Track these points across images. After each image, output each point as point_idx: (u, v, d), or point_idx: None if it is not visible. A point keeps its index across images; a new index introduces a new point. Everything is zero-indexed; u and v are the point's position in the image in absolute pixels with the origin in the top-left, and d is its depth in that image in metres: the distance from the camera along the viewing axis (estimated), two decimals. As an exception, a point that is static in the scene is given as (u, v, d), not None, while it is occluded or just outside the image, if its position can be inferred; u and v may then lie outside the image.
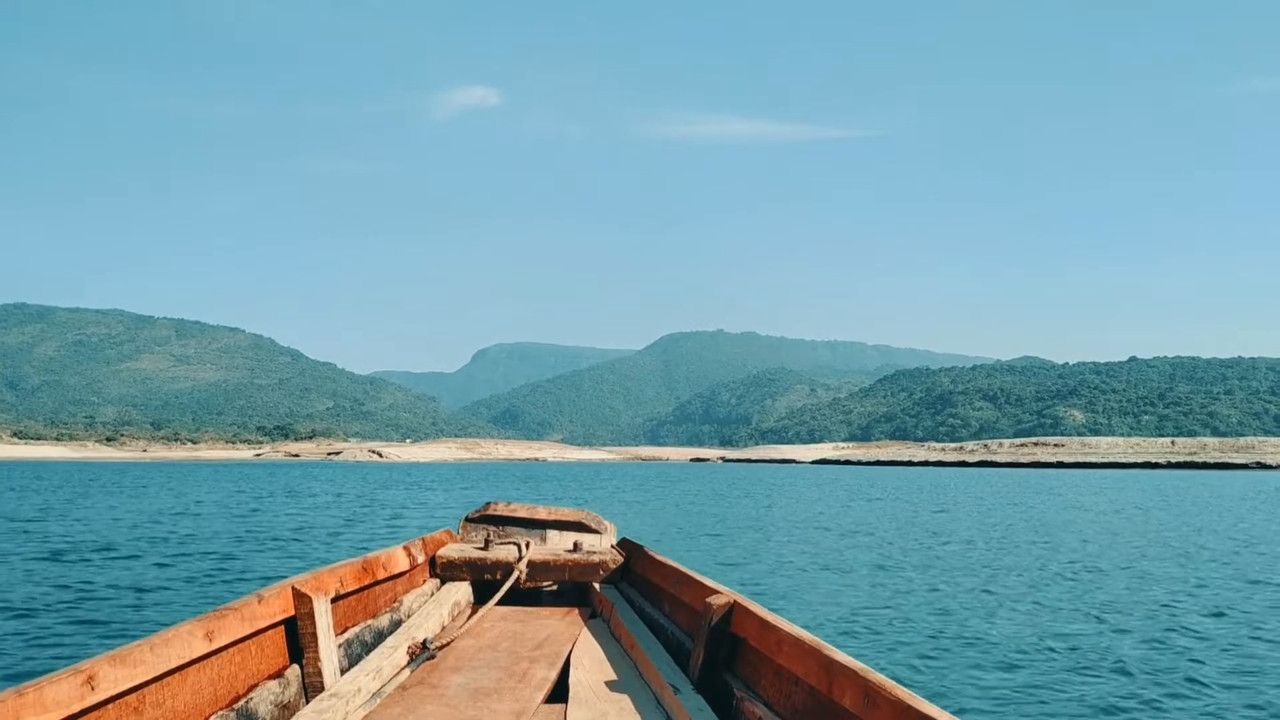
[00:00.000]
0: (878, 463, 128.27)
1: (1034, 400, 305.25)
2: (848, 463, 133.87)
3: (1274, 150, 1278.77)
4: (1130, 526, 20.78)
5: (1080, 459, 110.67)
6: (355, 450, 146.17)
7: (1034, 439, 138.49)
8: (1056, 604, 9.75)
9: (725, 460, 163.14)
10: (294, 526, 18.60)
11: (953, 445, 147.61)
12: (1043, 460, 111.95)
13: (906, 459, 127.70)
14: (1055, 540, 17.21)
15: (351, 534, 17.34)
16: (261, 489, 37.99)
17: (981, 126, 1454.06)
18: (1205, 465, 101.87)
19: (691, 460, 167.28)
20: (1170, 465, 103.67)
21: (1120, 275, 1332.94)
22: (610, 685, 3.48)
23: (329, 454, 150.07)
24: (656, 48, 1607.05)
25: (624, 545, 5.52)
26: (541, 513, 6.01)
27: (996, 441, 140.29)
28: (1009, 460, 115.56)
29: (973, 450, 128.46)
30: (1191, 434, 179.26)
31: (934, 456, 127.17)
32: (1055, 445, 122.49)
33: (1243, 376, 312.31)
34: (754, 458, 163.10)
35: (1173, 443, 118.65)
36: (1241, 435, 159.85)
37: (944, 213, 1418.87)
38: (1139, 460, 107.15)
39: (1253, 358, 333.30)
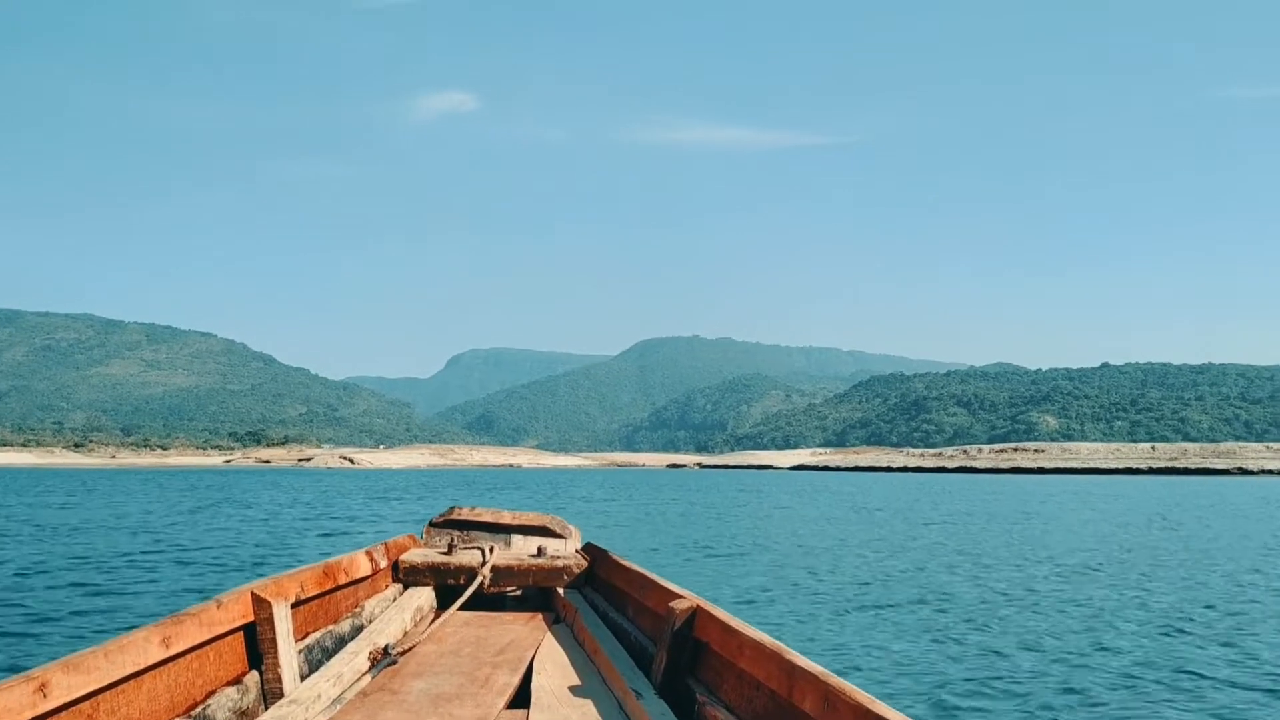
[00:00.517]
0: (856, 468, 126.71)
1: (1008, 406, 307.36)
2: (825, 468, 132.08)
3: (1246, 158, 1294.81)
4: (1170, 541, 19.00)
5: (1061, 465, 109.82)
6: (326, 457, 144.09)
7: (1013, 445, 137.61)
8: (1166, 658, 7.64)
9: (702, 466, 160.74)
10: (205, 545, 16.40)
11: (931, 451, 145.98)
12: (1023, 466, 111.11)
13: (885, 464, 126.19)
14: (1095, 556, 15.25)
15: (270, 555, 15.23)
16: (208, 498, 35.68)
17: (955, 134, 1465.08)
18: (1187, 471, 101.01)
19: (668, 466, 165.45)
20: (1151, 471, 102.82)
21: (1092, 282, 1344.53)
22: (573, 690, 3.46)
23: (300, 460, 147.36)
24: (635, 54, 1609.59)
25: (588, 550, 5.44)
26: (506, 517, 5.90)
27: (975, 447, 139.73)
28: (989, 466, 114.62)
29: (952, 456, 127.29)
30: (1164, 439, 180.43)
31: (913, 462, 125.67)
32: (1035, 451, 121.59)
33: (1213, 383, 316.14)
34: (731, 463, 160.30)
35: (1153, 448, 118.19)
36: (1213, 441, 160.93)
37: (920, 220, 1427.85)
38: (1120, 466, 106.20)
39: (1223, 364, 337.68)
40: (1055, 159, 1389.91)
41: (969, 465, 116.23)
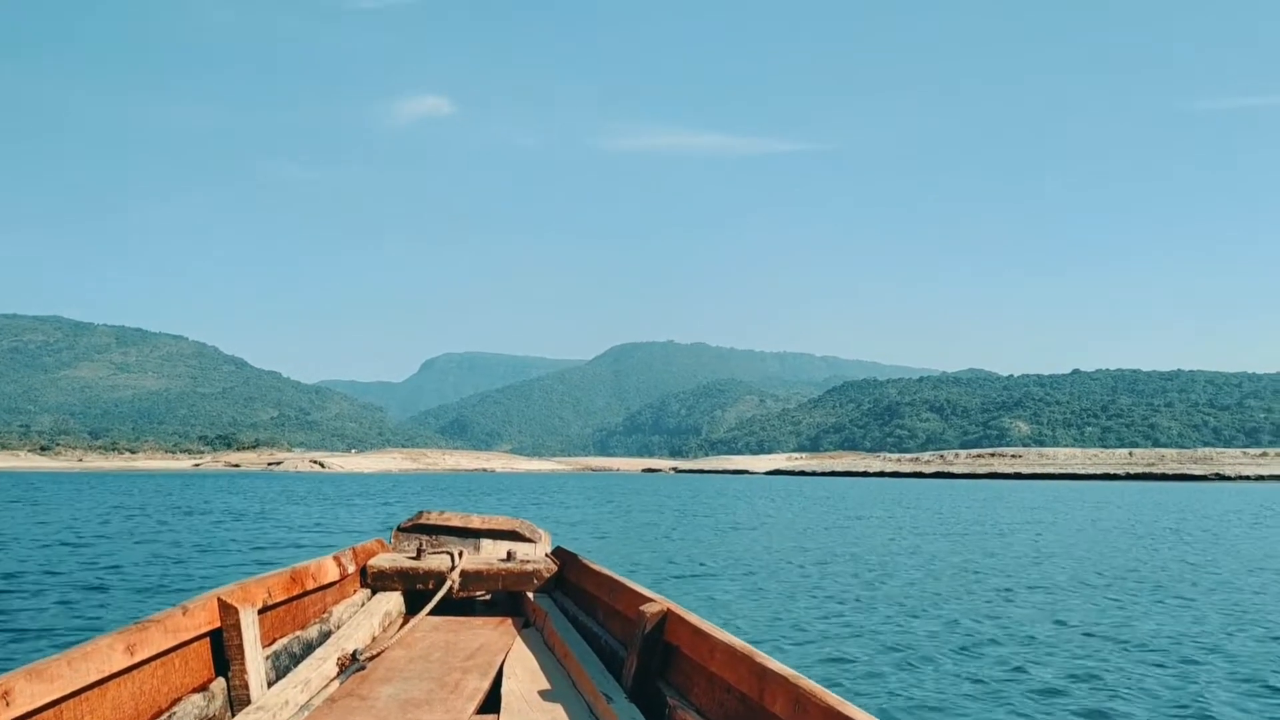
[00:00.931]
0: (832, 473, 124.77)
1: (980, 412, 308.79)
2: (802, 473, 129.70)
3: (1220, 170, 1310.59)
4: (1195, 555, 17.13)
5: (1038, 470, 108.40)
6: (297, 460, 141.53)
7: (990, 450, 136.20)
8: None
9: (677, 471, 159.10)
10: (118, 564, 14.13)
11: (908, 456, 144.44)
12: (1000, 471, 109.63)
13: (862, 469, 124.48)
14: (1128, 576, 13.49)
15: (195, 572, 13.15)
16: (157, 504, 33.13)
17: (928, 143, 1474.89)
18: (1164, 477, 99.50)
19: (643, 471, 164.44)
20: (1129, 477, 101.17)
21: (1063, 288, 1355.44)
22: (543, 695, 3.45)
23: (270, 464, 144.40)
24: (610, 61, 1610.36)
25: (558, 554, 5.46)
26: (475, 521, 5.82)
27: (953, 452, 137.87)
28: (966, 471, 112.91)
29: (929, 461, 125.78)
30: (1134, 445, 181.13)
31: (889, 467, 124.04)
32: (1013, 456, 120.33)
33: (1182, 389, 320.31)
34: (706, 468, 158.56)
35: (1130, 454, 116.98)
36: (1182, 447, 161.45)
37: (894, 228, 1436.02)
38: (1097, 471, 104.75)
39: (1191, 370, 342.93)
40: (1032, 168, 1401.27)
41: (946, 470, 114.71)
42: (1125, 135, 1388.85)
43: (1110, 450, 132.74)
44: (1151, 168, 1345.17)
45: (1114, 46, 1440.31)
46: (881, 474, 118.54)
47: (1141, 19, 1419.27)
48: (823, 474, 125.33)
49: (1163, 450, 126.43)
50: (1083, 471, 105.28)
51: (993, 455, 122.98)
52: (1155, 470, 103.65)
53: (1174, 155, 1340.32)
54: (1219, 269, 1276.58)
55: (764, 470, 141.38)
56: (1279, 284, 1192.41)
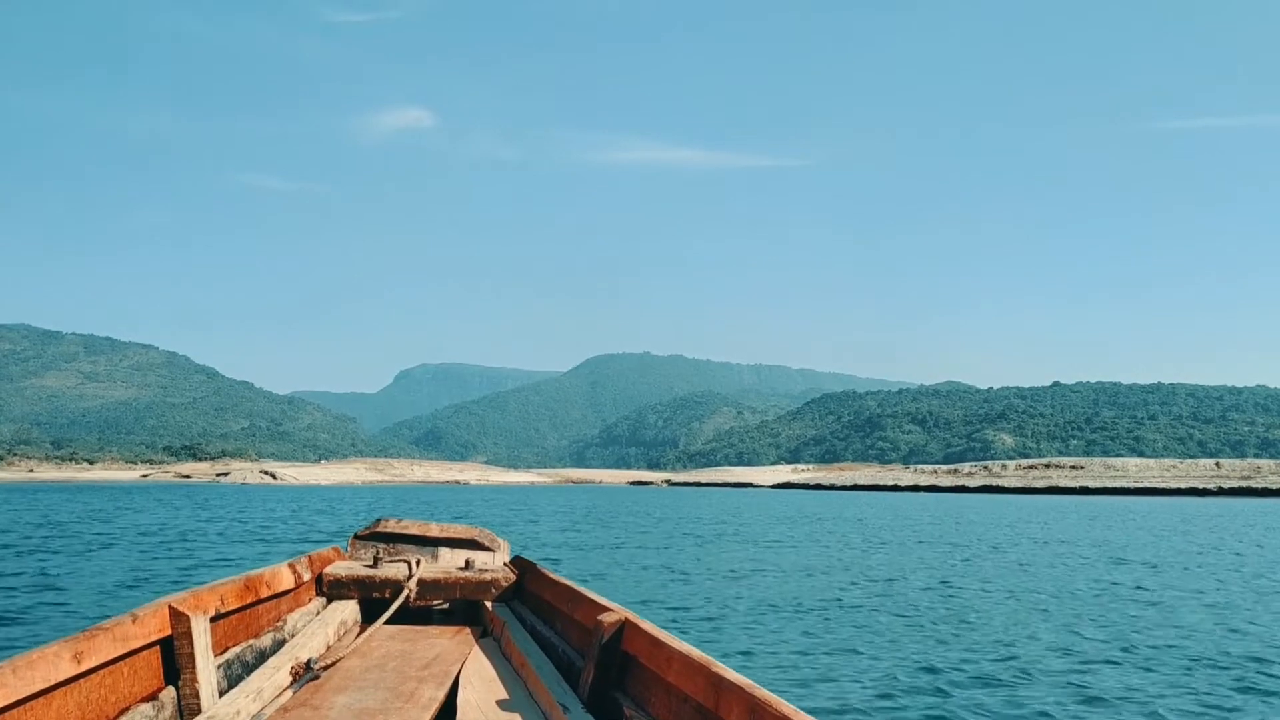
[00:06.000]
0: (855, 487, 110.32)
1: (962, 424, 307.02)
2: (818, 487, 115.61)
3: (1187, 187, 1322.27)
4: None
5: (1107, 484, 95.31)
6: (246, 471, 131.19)
7: (1044, 460, 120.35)
8: None
9: (671, 484, 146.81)
10: None
11: (944, 468, 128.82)
12: (1061, 485, 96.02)
13: (891, 482, 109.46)
14: None
15: None
16: (48, 521, 26.88)
17: (900, 157, 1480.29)
18: (1266, 492, 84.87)
19: (631, 483, 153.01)
20: (1221, 492, 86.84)
21: (1037, 301, 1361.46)
22: (500, 704, 3.43)
23: (217, 475, 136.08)
24: (587, 77, 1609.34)
25: (517, 563, 5.43)
26: (433, 530, 5.76)
27: (999, 463, 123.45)
28: (1019, 485, 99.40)
29: (971, 473, 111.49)
30: (1119, 457, 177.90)
31: (924, 480, 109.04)
32: (1072, 467, 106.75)
33: (1164, 402, 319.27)
34: (704, 481, 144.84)
35: (1218, 464, 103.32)
36: (1162, 458, 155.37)
37: (867, 241, 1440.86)
38: (1180, 486, 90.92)
39: (1172, 384, 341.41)
40: (1008, 183, 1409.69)
41: (994, 484, 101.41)
42: (1101, 151, 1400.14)
43: (1192, 460, 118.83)
44: (1124, 184, 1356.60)
45: (1091, 65, 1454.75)
46: (915, 488, 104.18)
47: (1111, 40, 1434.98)
48: (843, 488, 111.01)
49: (1257, 461, 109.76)
50: (1161, 485, 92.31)
51: (1049, 466, 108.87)
52: (1254, 484, 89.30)
53: (1148, 172, 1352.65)
54: (1194, 283, 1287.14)
55: (770, 483, 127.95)
56: (1256, 298, 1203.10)
